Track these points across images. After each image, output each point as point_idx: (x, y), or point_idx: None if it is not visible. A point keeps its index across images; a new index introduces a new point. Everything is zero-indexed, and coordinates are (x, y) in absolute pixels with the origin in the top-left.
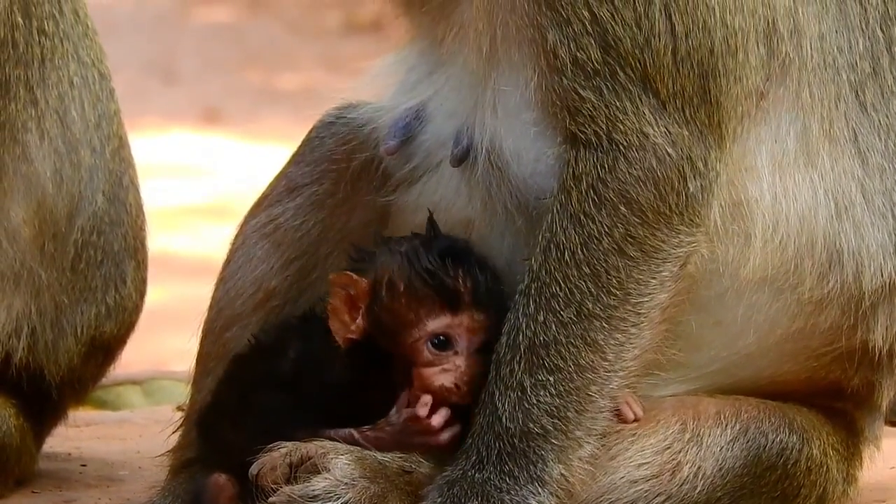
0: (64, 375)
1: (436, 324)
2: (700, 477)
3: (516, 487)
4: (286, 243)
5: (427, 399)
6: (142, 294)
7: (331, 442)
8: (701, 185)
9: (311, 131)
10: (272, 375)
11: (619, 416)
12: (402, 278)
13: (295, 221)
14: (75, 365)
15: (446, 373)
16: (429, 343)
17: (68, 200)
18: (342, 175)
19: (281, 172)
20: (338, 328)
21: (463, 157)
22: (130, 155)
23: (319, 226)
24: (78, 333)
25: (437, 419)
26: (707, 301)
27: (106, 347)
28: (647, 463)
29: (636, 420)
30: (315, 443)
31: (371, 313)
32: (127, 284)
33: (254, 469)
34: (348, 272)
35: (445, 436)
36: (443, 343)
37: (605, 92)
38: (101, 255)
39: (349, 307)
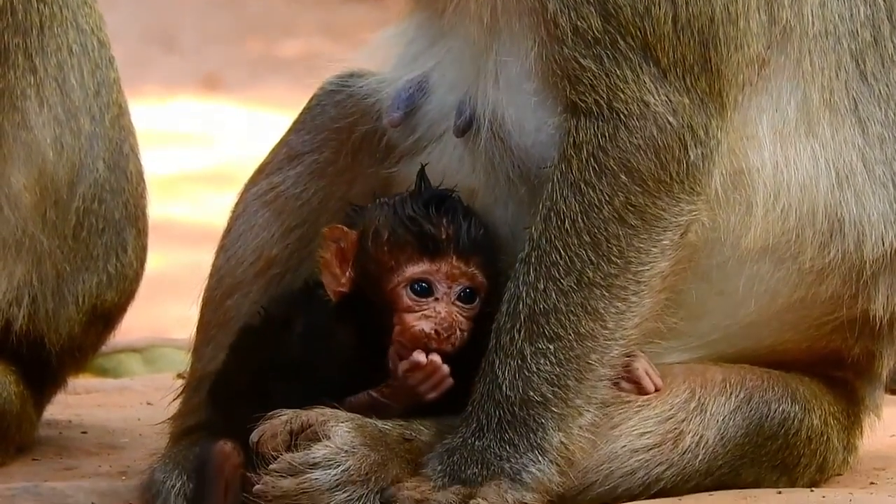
0: (64, 344)
1: (414, 269)
2: (702, 446)
3: (516, 455)
4: (287, 211)
5: (419, 352)
6: (142, 262)
7: (331, 409)
8: (702, 153)
9: (311, 99)
10: (282, 356)
11: (640, 388)
12: (387, 227)
13: (296, 189)
14: (76, 334)
15: (426, 319)
16: (408, 289)
17: (69, 168)
18: (343, 144)
19: (281, 140)
20: (329, 281)
21: (466, 128)
22: (130, 123)
23: (320, 194)
24: (79, 302)
25: (435, 356)
26: (708, 270)
27: (107, 316)
28: (650, 432)
29: (657, 391)
30: (315, 410)
31: (358, 264)
32: (128, 253)
33: (254, 436)
34: (339, 225)
35: (446, 368)
36: (424, 290)
37: (606, 60)
38: (102, 223)
39: (339, 260)
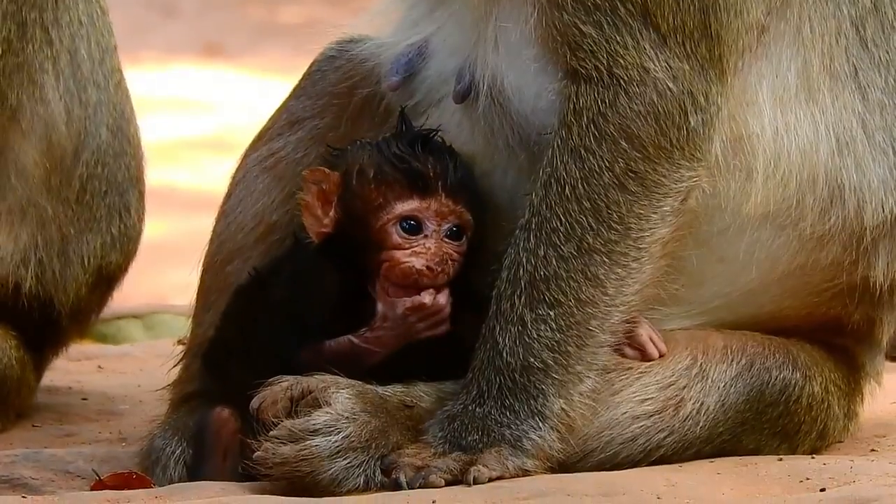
0: (73, 305)
1: (404, 206)
2: (703, 412)
3: (517, 422)
4: (287, 177)
5: (427, 293)
6: (143, 223)
7: (332, 376)
8: (702, 119)
9: (312, 65)
10: (269, 303)
11: (644, 354)
12: (373, 165)
13: (296, 155)
14: (83, 295)
15: (417, 255)
16: (398, 226)
17: (75, 137)
18: (344, 109)
19: (282, 106)
20: (311, 223)
21: (465, 94)
22: (127, 86)
23: (320, 160)
24: (84, 263)
25: (442, 298)
26: (709, 237)
27: (111, 277)
28: (651, 399)
29: (661, 356)
30: (316, 377)
31: (343, 203)
32: (131, 214)
33: (254, 403)
34: (320, 168)
35: (448, 311)
36: (413, 227)
37: (606, 27)
38: (105, 186)
39: (322, 202)
